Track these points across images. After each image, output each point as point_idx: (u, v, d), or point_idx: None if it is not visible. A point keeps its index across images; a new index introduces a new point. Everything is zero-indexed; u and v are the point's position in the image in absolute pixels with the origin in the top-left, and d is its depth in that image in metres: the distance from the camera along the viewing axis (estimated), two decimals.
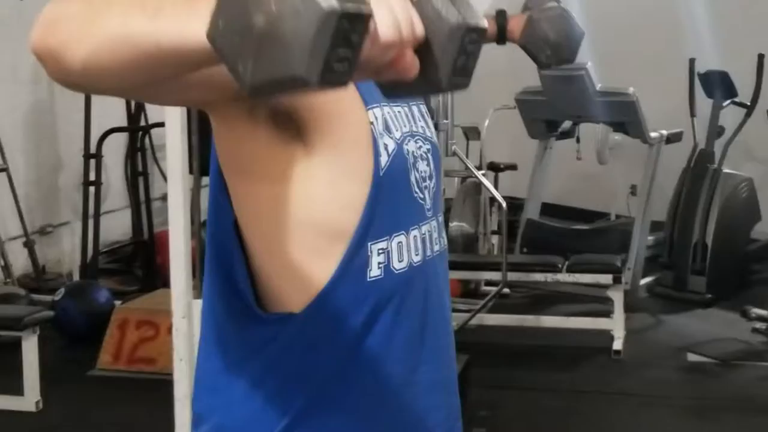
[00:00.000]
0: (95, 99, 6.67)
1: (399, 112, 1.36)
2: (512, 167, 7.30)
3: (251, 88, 0.88)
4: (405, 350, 1.36)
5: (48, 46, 1.06)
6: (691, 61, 6.69)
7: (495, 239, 7.13)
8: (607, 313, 5.58)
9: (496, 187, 6.41)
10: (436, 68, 0.99)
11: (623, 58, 7.85)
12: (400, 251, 1.33)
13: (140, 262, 7.01)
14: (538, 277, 5.82)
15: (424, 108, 1.46)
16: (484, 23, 1.06)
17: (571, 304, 6.31)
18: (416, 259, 1.35)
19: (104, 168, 6.68)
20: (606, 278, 5.55)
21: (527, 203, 7.01)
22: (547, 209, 7.40)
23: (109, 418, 4.66)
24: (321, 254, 1.28)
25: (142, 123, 6.82)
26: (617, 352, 5.39)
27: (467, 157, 5.96)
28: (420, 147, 1.38)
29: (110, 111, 7.02)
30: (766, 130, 6.43)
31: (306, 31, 0.85)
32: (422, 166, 1.38)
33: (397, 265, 1.32)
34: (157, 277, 6.64)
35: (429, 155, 1.40)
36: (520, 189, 7.30)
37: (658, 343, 5.73)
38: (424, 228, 1.37)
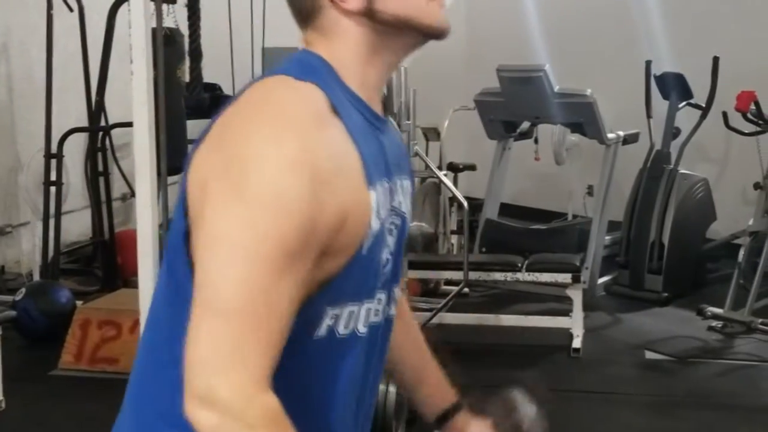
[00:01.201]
0: (55, 99, 6.64)
1: (387, 188, 1.36)
2: (471, 167, 7.36)
3: None
4: (336, 409, 1.38)
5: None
6: (648, 63, 6.78)
7: (454, 239, 7.19)
8: (566, 312, 5.65)
9: (455, 187, 6.46)
10: None
11: (581, 60, 7.95)
12: (348, 319, 1.34)
13: (100, 262, 6.97)
14: (498, 276, 5.88)
15: (408, 183, 1.46)
16: None
17: (530, 303, 6.37)
18: (362, 329, 1.37)
19: (64, 168, 6.65)
20: (565, 277, 5.61)
21: (486, 203, 7.06)
22: (505, 209, 7.45)
23: (71, 418, 4.65)
24: None
25: (103, 123, 6.79)
26: (576, 350, 5.46)
27: (427, 157, 6.01)
28: (392, 223, 1.38)
29: (70, 111, 7.00)
30: (721, 131, 6.54)
31: None
32: (390, 241, 1.38)
33: (342, 331, 1.34)
34: (117, 277, 6.63)
35: (396, 230, 1.40)
36: (479, 189, 7.35)
37: (616, 341, 5.81)
38: (376, 298, 1.39)
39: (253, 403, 1.16)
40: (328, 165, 1.23)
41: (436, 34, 1.40)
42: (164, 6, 3.96)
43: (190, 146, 4.51)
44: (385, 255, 1.37)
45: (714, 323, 5.77)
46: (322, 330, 1.31)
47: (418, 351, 1.74)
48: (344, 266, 1.29)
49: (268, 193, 1.19)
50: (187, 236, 1.29)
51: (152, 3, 3.59)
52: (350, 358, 1.37)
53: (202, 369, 1.17)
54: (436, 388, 1.73)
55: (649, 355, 5.48)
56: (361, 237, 1.29)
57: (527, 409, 1.70)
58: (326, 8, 1.35)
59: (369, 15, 1.34)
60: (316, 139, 1.24)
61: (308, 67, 1.34)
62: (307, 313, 1.28)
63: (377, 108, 1.40)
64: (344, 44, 1.36)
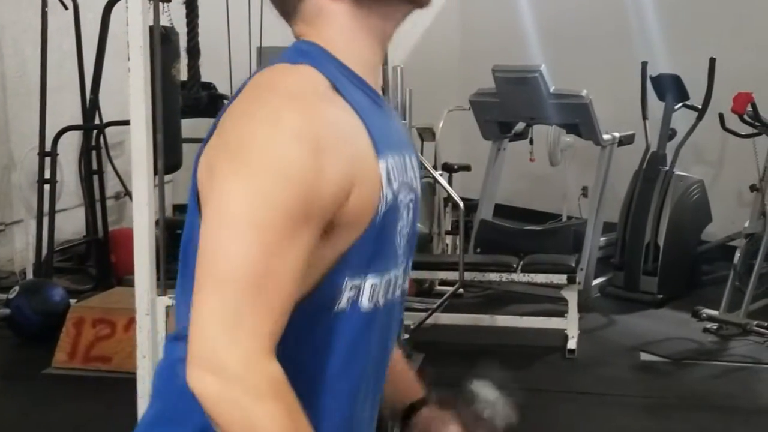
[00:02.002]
0: (49, 97, 6.62)
1: (398, 161, 1.37)
2: (466, 168, 7.35)
3: None
4: (356, 384, 1.39)
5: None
6: (644, 65, 6.78)
7: (449, 239, 7.18)
8: (561, 313, 5.65)
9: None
10: None
11: (577, 61, 7.95)
12: (371, 292, 1.35)
13: (94, 261, 6.96)
14: (493, 276, 5.86)
15: (416, 159, 1.48)
16: None
17: (524, 303, 6.37)
18: (381, 302, 1.37)
19: (58, 166, 6.63)
20: (560, 278, 5.60)
21: (480, 204, 7.06)
22: (500, 210, 7.46)
23: (65, 417, 4.63)
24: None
25: (97, 121, 6.77)
26: (571, 351, 5.45)
27: (422, 157, 6.00)
28: (406, 196, 1.39)
29: (64, 109, 6.98)
30: (717, 133, 6.53)
31: None
32: (405, 214, 1.39)
33: (366, 305, 1.34)
34: (111, 276, 6.62)
35: (411, 205, 1.42)
36: (473, 190, 7.35)
37: (611, 342, 5.80)
38: (393, 273, 1.40)
39: (256, 370, 1.17)
40: (330, 134, 1.24)
41: (419, 1, 1.41)
42: (160, 4, 3.94)
43: (184, 145, 4.48)
44: (403, 229, 1.39)
45: (709, 325, 5.76)
46: (342, 302, 1.32)
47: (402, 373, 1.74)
48: (361, 236, 1.30)
49: (267, 162, 1.20)
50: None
51: (149, 1, 3.57)
52: (372, 332, 1.38)
53: (205, 337, 1.18)
54: (402, 383, 1.72)
55: (644, 356, 5.47)
56: (374, 206, 1.29)
57: (489, 398, 1.73)
58: None
59: None
60: (317, 110, 1.25)
61: (301, 53, 1.35)
62: (327, 284, 1.29)
63: (376, 86, 1.42)
64: (331, 26, 1.38)
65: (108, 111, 6.72)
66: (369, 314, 1.35)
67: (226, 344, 1.17)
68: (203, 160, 1.29)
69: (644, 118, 6.74)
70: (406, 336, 5.03)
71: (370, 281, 1.34)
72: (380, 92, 1.43)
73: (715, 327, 5.76)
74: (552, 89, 6.32)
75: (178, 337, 1.41)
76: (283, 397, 1.19)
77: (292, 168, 1.19)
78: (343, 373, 1.36)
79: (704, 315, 5.73)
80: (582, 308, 5.74)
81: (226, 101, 7.00)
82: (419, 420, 1.70)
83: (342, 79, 1.33)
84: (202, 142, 1.33)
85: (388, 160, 1.33)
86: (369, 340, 1.38)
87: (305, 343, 1.28)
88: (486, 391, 1.75)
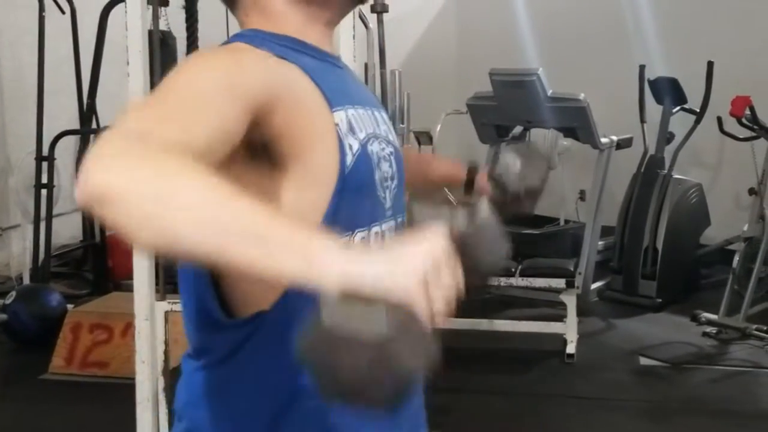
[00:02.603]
0: (46, 101, 6.61)
1: (362, 114, 1.39)
2: None
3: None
4: None
5: (106, 210, 1.01)
6: (641, 68, 6.77)
7: None
8: (560, 318, 5.63)
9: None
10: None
11: (574, 64, 7.94)
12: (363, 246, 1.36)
13: (91, 266, 6.94)
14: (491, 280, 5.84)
15: (386, 114, 1.50)
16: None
17: (523, 308, 6.36)
18: None
19: (55, 170, 6.62)
20: (559, 282, 5.59)
21: None
22: None
23: (62, 422, 4.61)
24: None
25: (94, 126, 6.75)
26: (570, 355, 5.43)
27: None
28: (383, 149, 1.41)
29: (61, 113, 6.96)
30: (715, 136, 6.52)
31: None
32: (385, 166, 1.41)
33: None
34: (108, 281, 6.60)
35: (392, 158, 1.43)
36: None
37: (610, 346, 5.78)
38: (384, 226, 1.41)
39: (165, 153, 1.04)
40: (263, 66, 1.28)
41: None
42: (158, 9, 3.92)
43: None
44: (385, 180, 1.41)
45: (708, 329, 5.76)
46: None
47: (420, 158, 1.92)
48: (335, 189, 1.31)
49: (199, 64, 1.25)
50: None
51: (148, 6, 3.56)
52: None
53: (110, 135, 1.08)
54: (446, 167, 1.83)
55: (644, 361, 5.46)
56: (337, 157, 1.31)
57: (508, 161, 1.75)
58: None
59: None
60: (250, 55, 1.29)
61: (235, 36, 1.39)
62: None
63: (329, 50, 1.45)
64: (270, 18, 1.41)
65: (105, 115, 6.70)
66: None
67: (133, 139, 1.06)
68: None
69: (642, 121, 6.74)
70: None
71: (359, 236, 1.36)
72: (336, 57, 1.46)
73: (714, 331, 5.75)
74: (549, 92, 6.30)
75: (191, 354, 1.41)
76: (198, 171, 1.04)
77: (218, 62, 1.24)
78: None
79: (703, 319, 5.72)
80: (580, 312, 5.73)
81: None
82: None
83: (284, 48, 1.35)
84: None
85: (348, 112, 1.35)
86: None
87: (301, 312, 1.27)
88: (508, 156, 1.77)
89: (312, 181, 1.29)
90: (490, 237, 1.54)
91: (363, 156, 1.35)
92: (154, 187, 0.99)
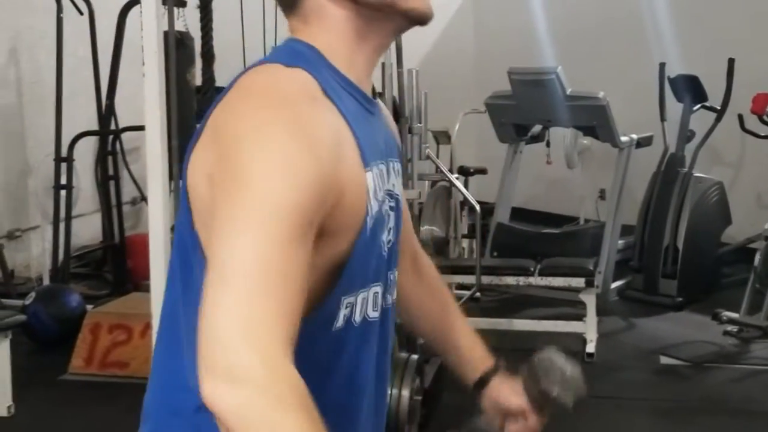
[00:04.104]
0: (65, 102, 6.64)
1: (383, 170, 1.37)
2: (482, 171, 7.32)
3: None
4: (355, 398, 1.39)
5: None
6: (661, 66, 6.74)
7: (465, 243, 7.15)
8: (579, 317, 5.60)
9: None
10: None
11: (594, 63, 7.91)
12: (362, 305, 1.35)
13: (111, 266, 6.96)
14: (510, 280, 5.82)
15: (399, 163, 1.47)
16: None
17: (542, 307, 6.33)
18: (372, 314, 1.37)
19: (74, 172, 6.64)
20: (578, 281, 5.57)
21: (497, 207, 7.03)
22: (516, 213, 7.42)
23: (81, 423, 4.63)
24: None
25: (113, 127, 6.77)
26: (590, 355, 5.41)
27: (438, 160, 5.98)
28: (389, 205, 1.39)
29: (80, 114, 6.98)
30: (736, 134, 6.49)
31: None
32: (389, 223, 1.39)
33: (357, 318, 1.34)
34: (127, 281, 6.61)
35: (393, 212, 1.41)
36: (489, 193, 7.31)
37: (631, 346, 5.75)
38: (378, 286, 1.39)
39: (278, 377, 1.09)
40: (324, 136, 1.23)
41: (419, 17, 1.38)
42: (175, 9, 3.93)
43: None
44: (386, 237, 1.38)
45: (730, 328, 5.72)
46: (339, 322, 1.31)
47: (446, 314, 1.75)
48: (350, 251, 1.29)
49: (267, 169, 1.17)
50: (194, 231, 1.29)
51: (164, 6, 3.56)
52: (366, 344, 1.38)
53: (218, 342, 1.09)
54: (470, 351, 1.74)
55: (664, 360, 5.43)
56: (361, 218, 1.29)
57: (558, 370, 1.65)
58: None
59: None
60: (310, 115, 1.23)
61: (295, 53, 1.34)
62: (326, 304, 1.28)
63: (367, 90, 1.40)
64: (329, 29, 1.36)
65: (124, 116, 6.72)
66: (362, 327, 1.35)
67: (244, 349, 1.09)
68: (198, 162, 1.27)
69: (662, 119, 6.70)
70: (423, 341, 5.00)
71: (360, 295, 1.34)
72: (372, 96, 1.42)
73: (735, 330, 5.72)
74: (569, 91, 6.28)
75: (170, 345, 1.39)
76: (306, 405, 1.12)
77: (292, 172, 1.17)
78: (343, 388, 1.36)
79: (724, 318, 5.68)
80: (600, 311, 5.70)
81: None
82: (491, 390, 1.72)
83: (334, 85, 1.32)
84: (190, 142, 1.32)
85: (374, 170, 1.32)
86: (365, 351, 1.38)
87: (304, 362, 1.21)
88: (555, 362, 1.66)
89: (335, 241, 1.27)
90: None
91: (378, 217, 1.33)
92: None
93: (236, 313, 1.11)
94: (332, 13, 1.35)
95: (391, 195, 1.39)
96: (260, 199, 1.16)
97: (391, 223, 1.40)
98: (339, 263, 1.28)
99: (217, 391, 1.08)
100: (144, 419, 1.43)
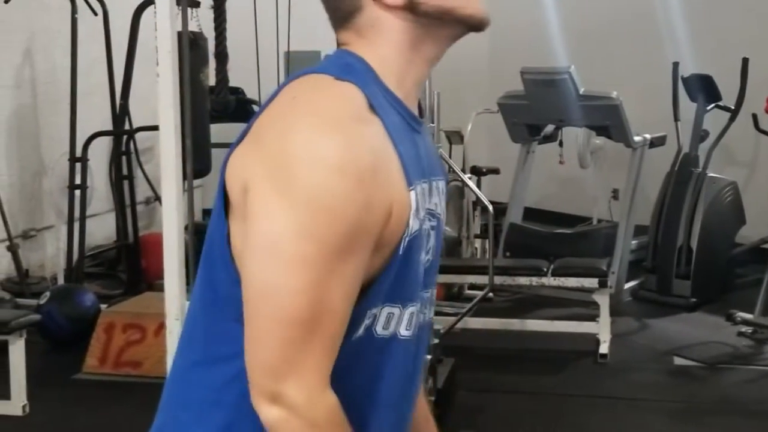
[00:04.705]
0: (79, 102, 6.66)
1: (425, 188, 1.34)
2: (495, 171, 7.32)
3: None
4: (376, 412, 1.37)
5: None
6: (675, 65, 6.72)
7: (478, 243, 7.15)
8: (592, 317, 5.59)
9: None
10: None
11: (607, 62, 7.90)
12: (387, 320, 1.33)
13: (125, 266, 6.98)
14: (523, 280, 5.81)
15: (443, 182, 1.45)
16: None
17: (555, 308, 6.32)
18: (404, 332, 1.36)
19: (89, 171, 6.66)
20: (592, 282, 5.55)
21: (510, 207, 7.02)
22: (529, 213, 7.41)
23: (95, 422, 4.64)
24: None
25: (127, 127, 6.79)
26: (603, 355, 5.40)
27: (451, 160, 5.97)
28: (431, 225, 1.37)
29: (95, 114, 7.00)
30: (750, 133, 6.47)
31: None
32: (430, 242, 1.37)
33: (380, 331, 1.33)
34: (141, 281, 6.63)
35: (434, 231, 1.39)
36: (502, 193, 7.31)
37: (644, 346, 5.73)
38: (415, 304, 1.37)
39: (317, 403, 1.23)
40: (371, 163, 1.22)
41: (477, 24, 1.38)
42: (188, 9, 3.94)
43: (213, 149, 4.49)
44: (425, 257, 1.37)
45: (744, 329, 5.70)
46: (360, 331, 1.31)
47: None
48: (383, 266, 1.28)
49: (316, 196, 1.18)
50: (228, 238, 1.29)
51: (177, 6, 3.57)
52: (392, 359, 1.37)
53: (269, 372, 1.22)
54: None
55: (678, 361, 5.41)
56: (399, 236, 1.28)
57: None
58: (367, 6, 1.33)
59: (411, 8, 1.33)
60: (357, 137, 1.22)
61: (346, 67, 1.32)
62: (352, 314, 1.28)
63: (414, 108, 1.38)
64: (385, 42, 1.34)
65: (138, 116, 6.74)
66: (386, 342, 1.34)
67: (290, 379, 1.22)
68: (237, 167, 1.27)
69: (676, 119, 6.68)
70: (436, 340, 5.00)
71: (387, 309, 1.33)
72: (417, 113, 1.40)
73: (749, 331, 5.70)
74: (582, 91, 6.28)
75: (189, 343, 1.40)
76: (341, 426, 1.25)
77: (341, 202, 1.19)
78: (365, 399, 1.35)
79: (738, 319, 5.66)
80: (613, 312, 5.68)
81: (254, 106, 7.00)
82: None
83: (382, 101, 1.30)
84: (232, 144, 1.31)
85: (417, 189, 1.31)
86: (390, 367, 1.36)
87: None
88: None
89: (371, 260, 1.26)
90: None
91: (418, 236, 1.31)
92: None
93: (284, 349, 1.22)
94: (389, 24, 1.33)
95: (432, 214, 1.37)
96: (306, 231, 1.19)
97: (431, 243, 1.38)
98: (371, 279, 1.28)
99: (264, 407, 1.23)
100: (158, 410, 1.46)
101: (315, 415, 1.22)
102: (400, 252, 1.29)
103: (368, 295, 1.28)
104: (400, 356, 1.38)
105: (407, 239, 1.29)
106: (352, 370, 1.32)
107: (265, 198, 1.20)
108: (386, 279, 1.29)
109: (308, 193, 1.18)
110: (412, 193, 1.29)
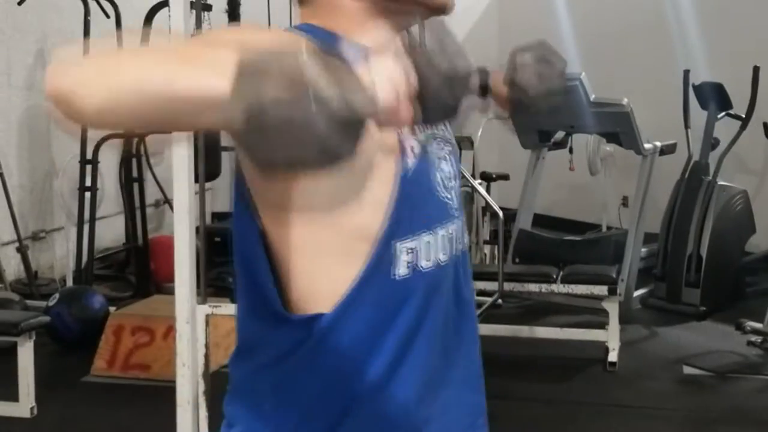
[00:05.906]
0: None
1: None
2: (504, 177, 7.31)
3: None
4: (432, 347, 1.37)
5: (62, 92, 1.10)
6: (686, 73, 6.70)
7: (487, 249, 7.14)
8: (602, 325, 5.57)
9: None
10: (428, 110, 1.23)
11: (618, 69, 7.89)
12: (428, 250, 1.34)
13: (134, 268, 6.98)
14: (532, 287, 5.80)
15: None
16: (471, 69, 1.35)
17: (564, 315, 6.31)
18: (443, 258, 1.37)
19: (99, 174, 6.68)
20: (601, 289, 5.53)
21: (519, 213, 7.01)
22: (539, 220, 7.40)
23: (103, 424, 4.64)
24: (348, 254, 1.29)
25: None
26: (612, 363, 5.38)
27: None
28: (442, 148, 1.40)
29: None
30: (761, 142, 6.45)
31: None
32: (446, 166, 1.40)
33: (425, 264, 1.34)
34: (150, 283, 6.63)
35: (450, 156, 1.42)
36: (511, 199, 7.30)
37: (653, 355, 5.72)
38: (451, 228, 1.39)
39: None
40: None
41: (439, 6, 1.38)
42: (202, 12, 3.94)
43: (224, 153, 4.48)
44: (445, 180, 1.39)
45: (753, 338, 5.67)
46: (401, 268, 1.31)
47: None
48: (393, 189, 1.29)
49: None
50: (261, 237, 1.31)
51: (191, 9, 3.58)
52: (438, 294, 1.37)
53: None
54: None
55: (687, 370, 5.39)
56: (398, 158, 1.30)
57: (526, 60, 1.68)
58: None
59: None
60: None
61: (305, 30, 1.33)
62: (377, 251, 1.29)
63: None
64: (341, 15, 1.36)
65: None
66: (431, 274, 1.35)
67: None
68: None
69: (686, 127, 6.66)
70: None
71: (424, 240, 1.33)
72: None
73: (759, 340, 5.67)
74: (592, 97, 6.26)
75: (243, 354, 1.40)
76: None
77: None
78: (417, 336, 1.34)
79: (748, 328, 5.64)
80: (623, 320, 5.66)
81: None
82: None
83: (338, 41, 1.30)
84: None
85: None
86: (437, 299, 1.37)
87: (379, 315, 1.29)
88: (523, 56, 1.69)
89: (372, 179, 1.27)
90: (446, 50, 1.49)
91: (424, 157, 1.33)
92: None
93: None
94: (345, 4, 1.35)
95: (444, 140, 1.42)
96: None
97: (450, 168, 1.41)
98: (386, 205, 1.29)
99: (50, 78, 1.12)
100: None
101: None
102: (409, 175, 1.31)
103: (391, 226, 1.29)
104: (447, 282, 1.39)
105: (415, 160, 1.32)
106: (408, 311, 1.33)
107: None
108: (404, 203, 1.30)
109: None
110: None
